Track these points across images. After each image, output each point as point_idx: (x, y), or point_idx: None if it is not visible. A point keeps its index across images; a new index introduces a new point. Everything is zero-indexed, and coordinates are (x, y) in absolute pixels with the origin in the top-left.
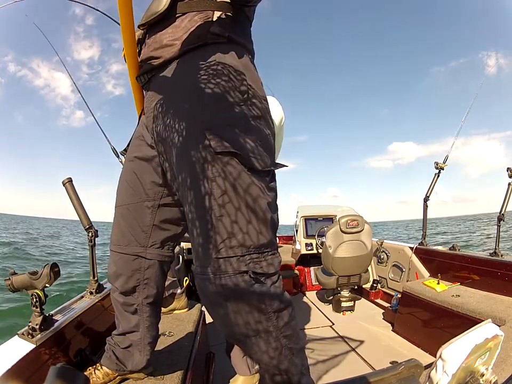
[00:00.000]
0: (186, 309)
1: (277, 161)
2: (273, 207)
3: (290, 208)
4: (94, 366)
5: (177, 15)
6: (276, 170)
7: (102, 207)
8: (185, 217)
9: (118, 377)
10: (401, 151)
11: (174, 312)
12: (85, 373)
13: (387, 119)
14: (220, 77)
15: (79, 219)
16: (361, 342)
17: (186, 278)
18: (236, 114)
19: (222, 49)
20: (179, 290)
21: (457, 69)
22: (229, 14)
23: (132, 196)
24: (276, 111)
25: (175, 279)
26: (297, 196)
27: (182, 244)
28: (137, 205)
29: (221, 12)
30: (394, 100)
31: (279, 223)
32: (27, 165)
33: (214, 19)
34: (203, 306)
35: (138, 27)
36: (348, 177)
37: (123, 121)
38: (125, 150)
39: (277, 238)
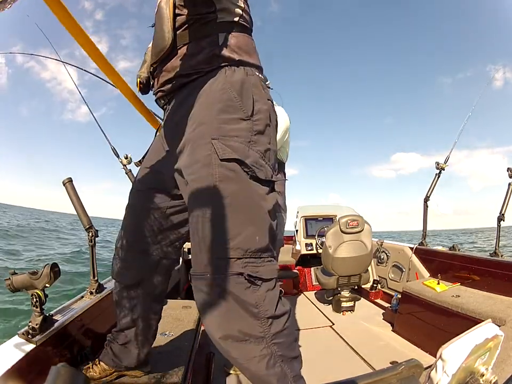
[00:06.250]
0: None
1: (286, 163)
2: (272, 215)
3: (293, 213)
4: (93, 362)
5: (184, 43)
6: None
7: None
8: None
9: (115, 373)
10: (404, 161)
11: (173, 312)
12: (84, 368)
13: (390, 128)
14: (228, 94)
15: (79, 219)
16: (361, 342)
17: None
18: (241, 127)
19: (231, 70)
20: None
21: (464, 81)
22: (233, 33)
23: (144, 197)
24: (283, 120)
25: None
26: (299, 201)
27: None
28: (149, 206)
29: (225, 33)
30: (398, 109)
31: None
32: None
33: (220, 43)
34: None
35: (151, 65)
36: (350, 184)
37: (128, 119)
38: (142, 159)
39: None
